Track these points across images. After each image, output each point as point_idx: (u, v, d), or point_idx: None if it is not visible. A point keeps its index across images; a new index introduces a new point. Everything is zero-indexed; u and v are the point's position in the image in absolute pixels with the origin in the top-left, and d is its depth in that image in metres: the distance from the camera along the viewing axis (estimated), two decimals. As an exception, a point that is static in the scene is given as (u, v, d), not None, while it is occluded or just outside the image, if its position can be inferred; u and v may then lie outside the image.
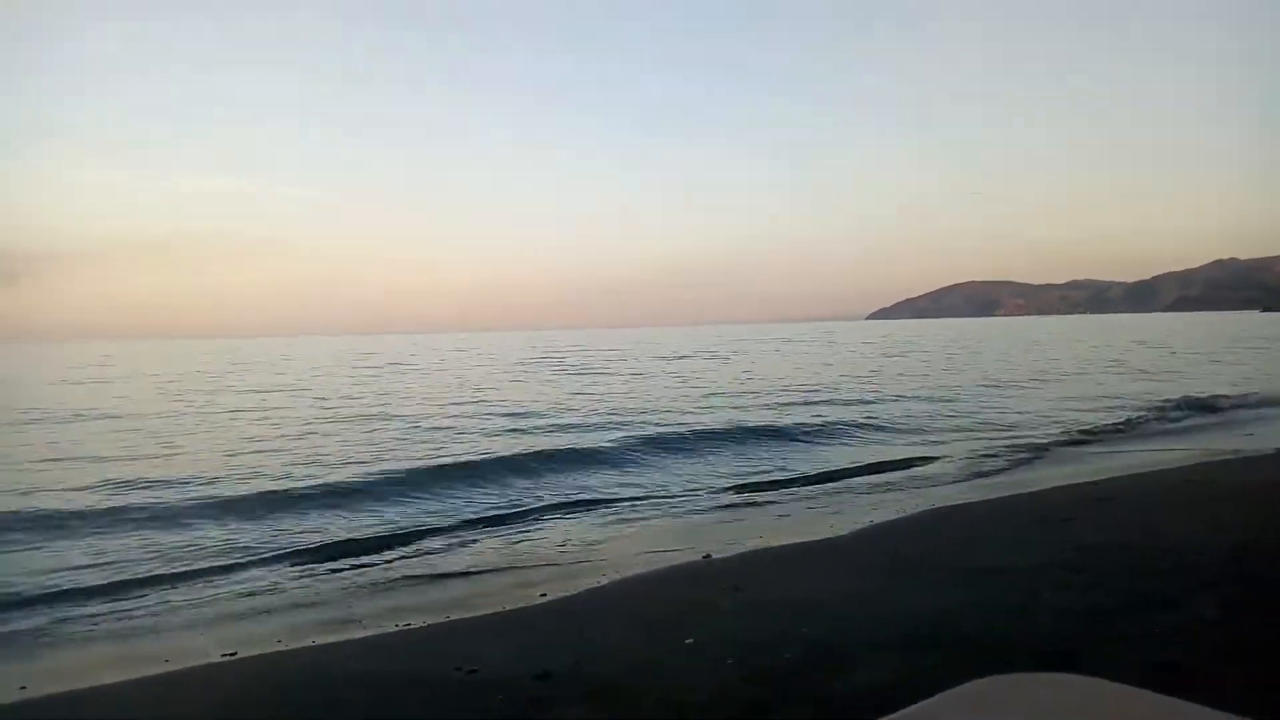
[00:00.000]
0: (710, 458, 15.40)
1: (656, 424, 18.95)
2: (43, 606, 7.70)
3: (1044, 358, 46.49)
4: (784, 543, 8.92)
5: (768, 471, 13.87)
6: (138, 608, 7.72)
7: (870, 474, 13.54)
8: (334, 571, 8.70)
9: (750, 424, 19.08)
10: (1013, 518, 9.55)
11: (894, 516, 10.00)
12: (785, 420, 19.76)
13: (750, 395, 27.28)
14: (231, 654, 6.36)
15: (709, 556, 8.44)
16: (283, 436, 18.84)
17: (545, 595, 7.29)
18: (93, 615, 7.54)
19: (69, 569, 8.75)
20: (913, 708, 1.12)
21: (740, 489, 12.38)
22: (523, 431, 18.47)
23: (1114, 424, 18.42)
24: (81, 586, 8.18)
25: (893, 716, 1.09)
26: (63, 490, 12.75)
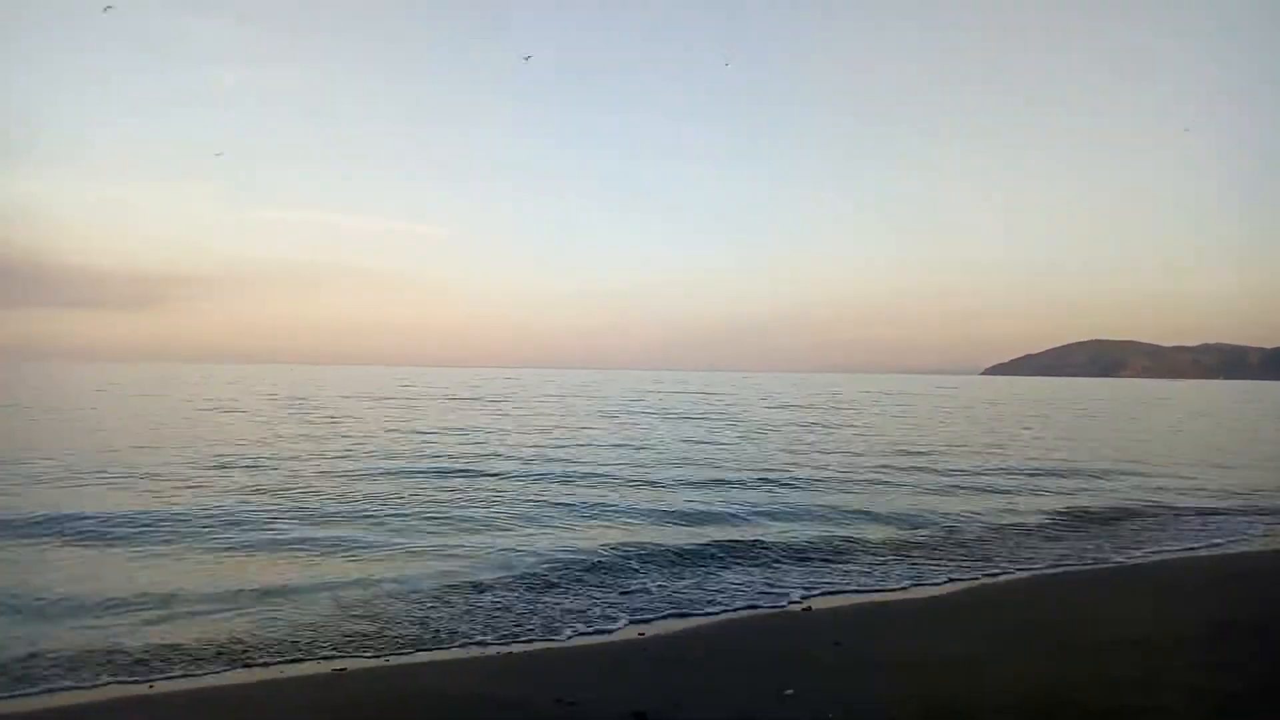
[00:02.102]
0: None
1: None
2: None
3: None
4: (886, 597, 8.70)
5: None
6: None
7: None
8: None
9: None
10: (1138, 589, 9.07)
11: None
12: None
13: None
14: (342, 669, 6.61)
15: (809, 608, 8.30)
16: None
17: (643, 634, 7.27)
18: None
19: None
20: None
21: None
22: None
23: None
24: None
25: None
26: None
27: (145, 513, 12.32)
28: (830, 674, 6.19)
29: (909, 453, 23.98)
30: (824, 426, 34.50)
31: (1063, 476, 19.62)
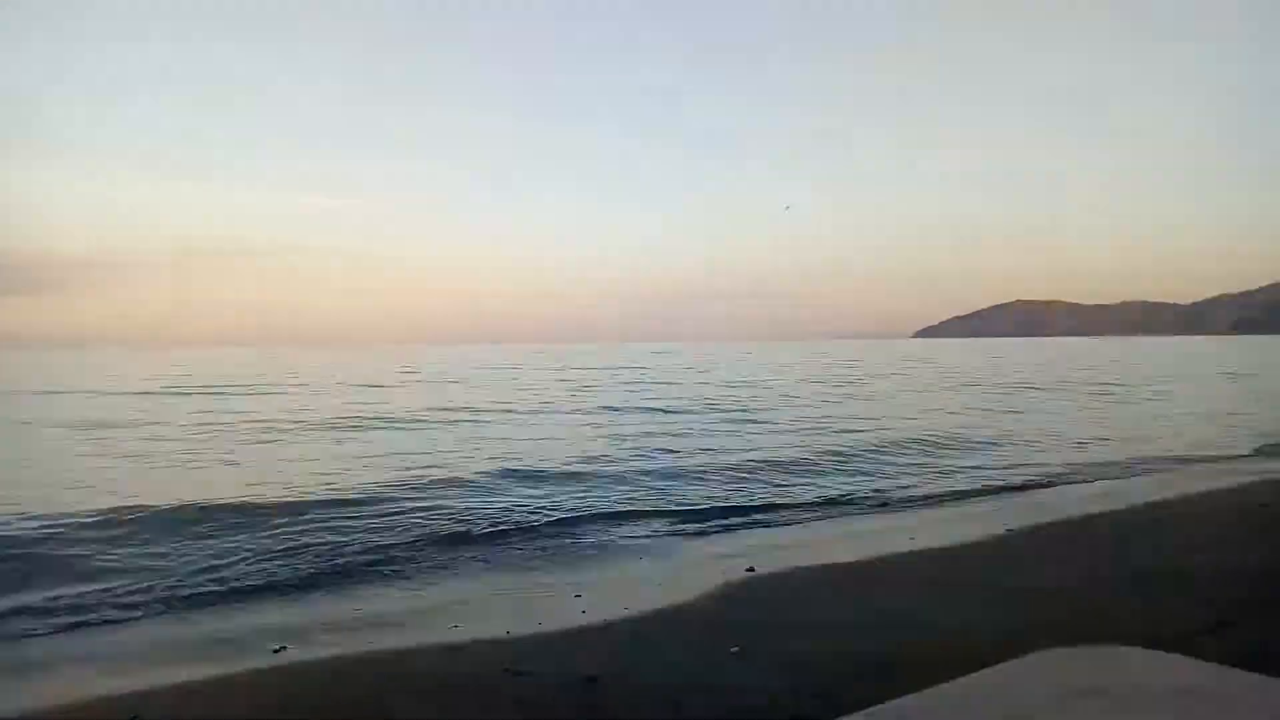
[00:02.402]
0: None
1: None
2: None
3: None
4: (835, 559, 8.89)
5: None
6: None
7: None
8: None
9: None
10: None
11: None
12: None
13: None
14: (281, 648, 6.52)
15: (752, 569, 8.43)
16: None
17: (585, 612, 7.28)
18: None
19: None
20: (979, 673, 1.15)
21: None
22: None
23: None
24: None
25: (961, 681, 1.13)
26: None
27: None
28: (776, 633, 6.33)
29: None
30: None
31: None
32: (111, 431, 22.63)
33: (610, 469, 15.09)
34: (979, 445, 18.73)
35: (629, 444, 18.72)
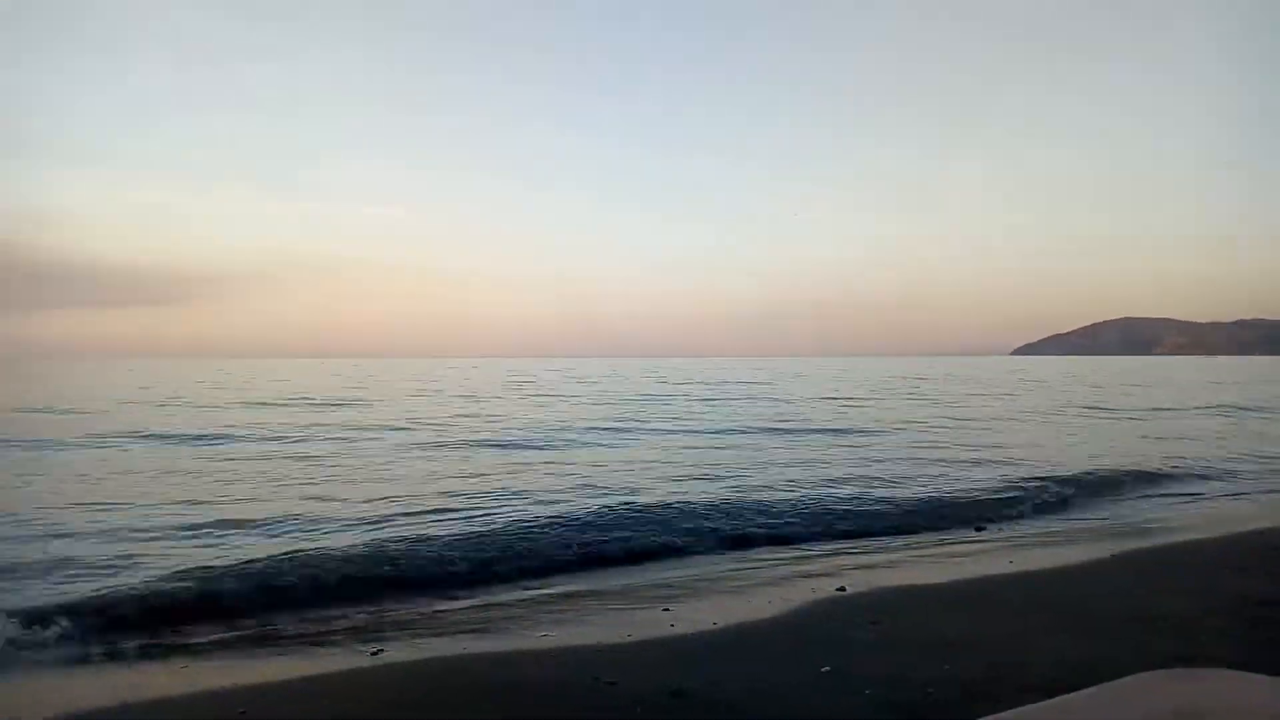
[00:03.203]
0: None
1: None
2: None
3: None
4: (924, 579, 8.73)
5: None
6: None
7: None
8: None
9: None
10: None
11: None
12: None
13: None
14: (379, 650, 6.76)
15: (843, 588, 8.33)
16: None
17: (673, 625, 7.32)
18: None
19: None
20: (1074, 695, 1.16)
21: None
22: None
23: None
24: None
25: (1054, 702, 1.14)
26: None
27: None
28: (869, 653, 6.26)
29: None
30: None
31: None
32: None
33: (708, 487, 15.00)
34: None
35: (745, 462, 18.54)
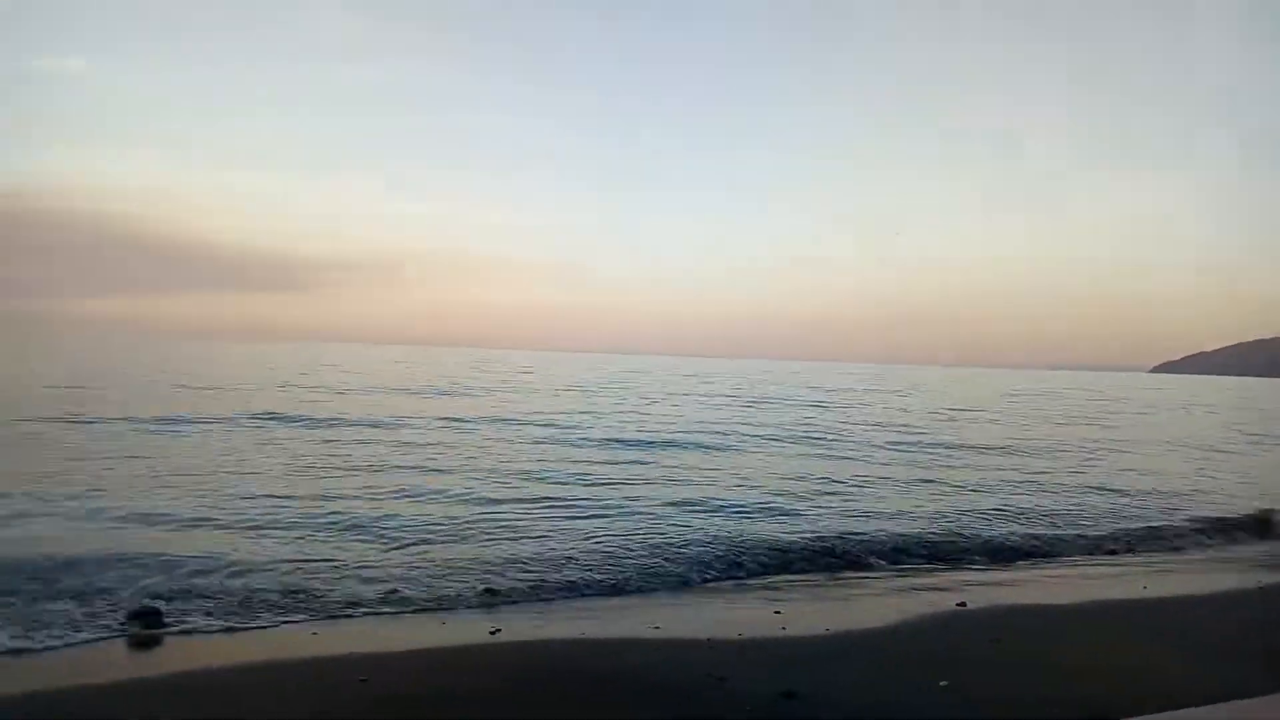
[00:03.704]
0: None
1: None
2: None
3: None
4: (1054, 601, 8.44)
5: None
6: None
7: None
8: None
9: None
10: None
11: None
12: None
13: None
14: (497, 630, 7.04)
15: (963, 604, 8.15)
16: None
17: (784, 628, 7.32)
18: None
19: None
20: (1197, 709, 1.17)
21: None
22: None
23: None
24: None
25: (1180, 713, 1.16)
26: None
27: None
28: (988, 670, 6.12)
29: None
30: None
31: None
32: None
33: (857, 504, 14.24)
34: None
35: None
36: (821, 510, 13.17)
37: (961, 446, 23.72)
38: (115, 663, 6.21)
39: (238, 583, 8.11)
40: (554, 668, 6.14)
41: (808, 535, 11.22)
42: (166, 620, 6.95)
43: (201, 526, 10.39)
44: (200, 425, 21.23)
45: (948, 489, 15.99)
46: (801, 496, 14.39)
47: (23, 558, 8.47)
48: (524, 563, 9.32)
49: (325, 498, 12.41)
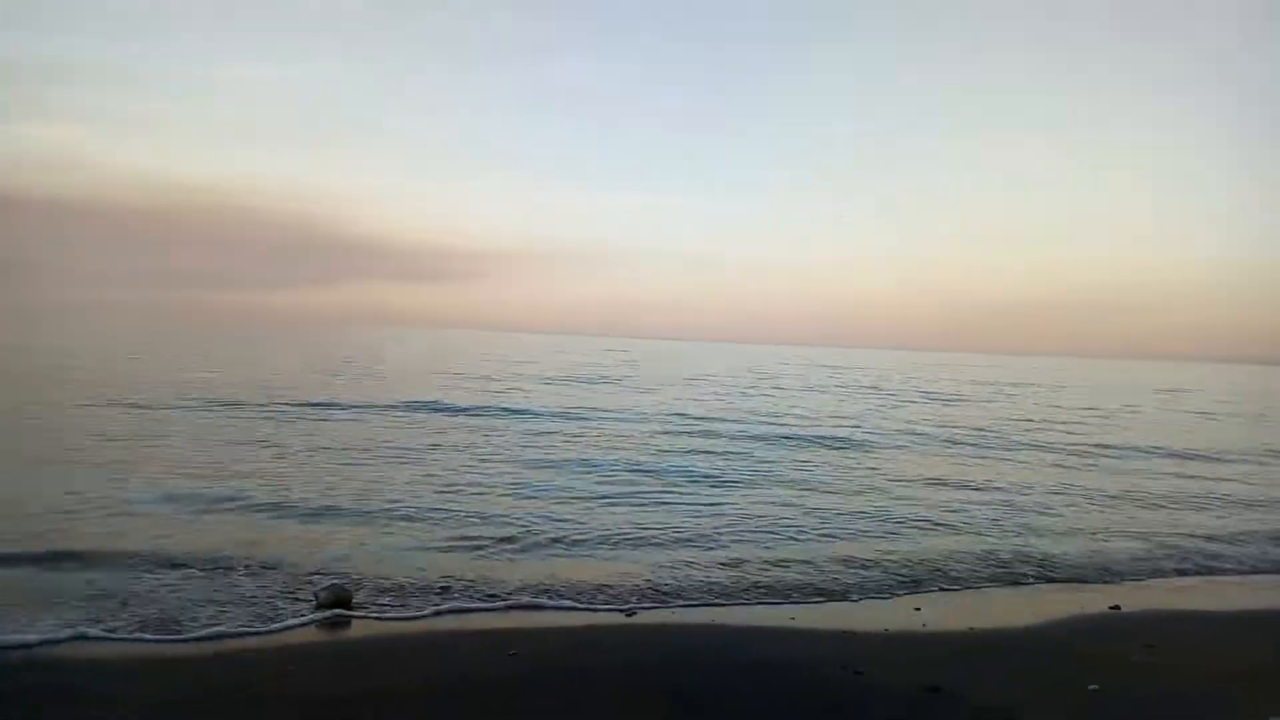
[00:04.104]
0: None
1: None
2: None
3: None
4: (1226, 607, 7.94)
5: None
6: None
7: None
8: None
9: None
10: None
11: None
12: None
13: None
14: (632, 611, 7.20)
15: (1117, 606, 7.76)
16: None
17: (924, 625, 7.16)
18: None
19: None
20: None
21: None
22: None
23: None
24: None
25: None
26: None
27: None
28: (1140, 674, 5.83)
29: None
30: None
31: None
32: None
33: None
34: None
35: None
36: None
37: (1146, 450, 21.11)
38: (313, 641, 6.47)
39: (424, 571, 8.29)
40: (688, 648, 6.24)
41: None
42: (354, 604, 7.12)
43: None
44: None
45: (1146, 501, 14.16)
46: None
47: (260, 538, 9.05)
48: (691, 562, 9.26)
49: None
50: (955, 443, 20.85)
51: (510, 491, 12.37)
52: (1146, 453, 20.54)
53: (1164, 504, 13.75)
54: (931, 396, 38.10)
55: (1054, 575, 9.13)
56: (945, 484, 14.65)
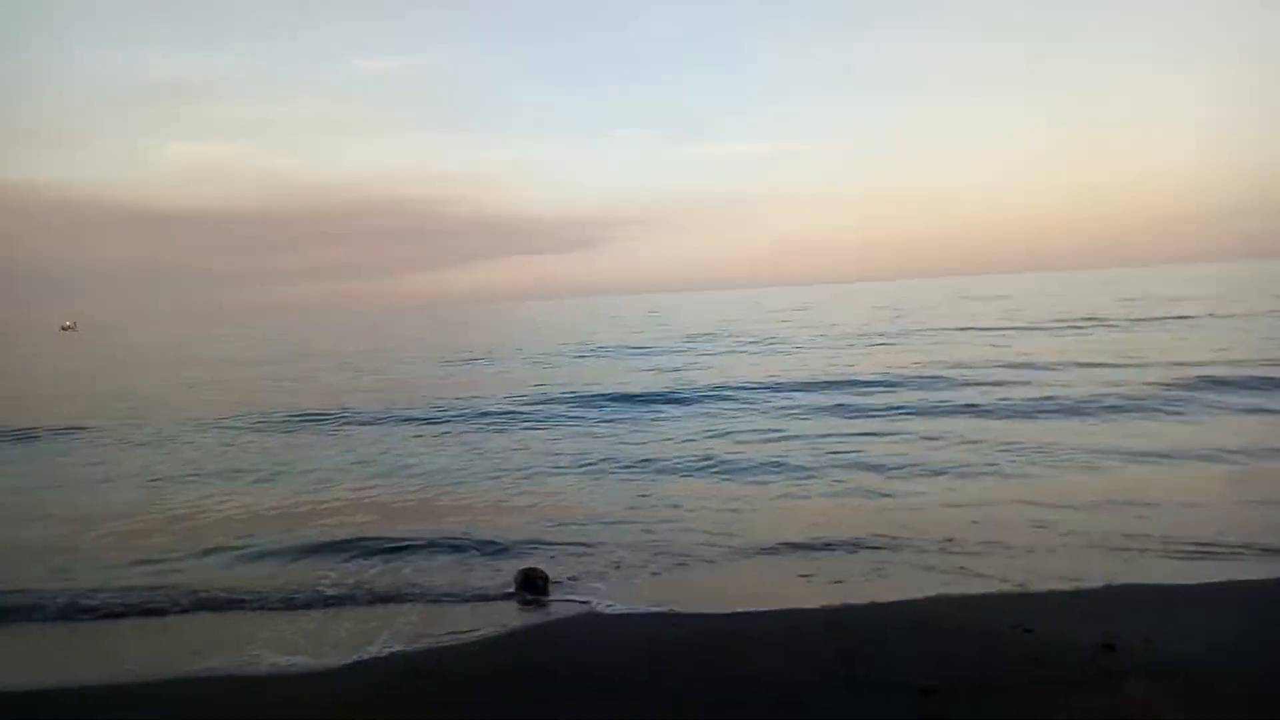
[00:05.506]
0: None
1: None
2: None
3: None
4: None
5: None
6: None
7: None
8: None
9: None
10: None
11: None
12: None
13: None
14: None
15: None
16: None
17: (1105, 582, 6.93)
18: None
19: None
20: None
21: None
22: None
23: None
24: None
25: None
26: None
27: None
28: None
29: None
30: None
31: None
32: None
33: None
34: None
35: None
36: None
37: None
38: (512, 620, 6.76)
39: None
40: (849, 611, 6.36)
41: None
42: (552, 583, 7.35)
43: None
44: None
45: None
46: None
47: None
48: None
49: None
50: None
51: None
52: None
53: None
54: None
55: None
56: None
